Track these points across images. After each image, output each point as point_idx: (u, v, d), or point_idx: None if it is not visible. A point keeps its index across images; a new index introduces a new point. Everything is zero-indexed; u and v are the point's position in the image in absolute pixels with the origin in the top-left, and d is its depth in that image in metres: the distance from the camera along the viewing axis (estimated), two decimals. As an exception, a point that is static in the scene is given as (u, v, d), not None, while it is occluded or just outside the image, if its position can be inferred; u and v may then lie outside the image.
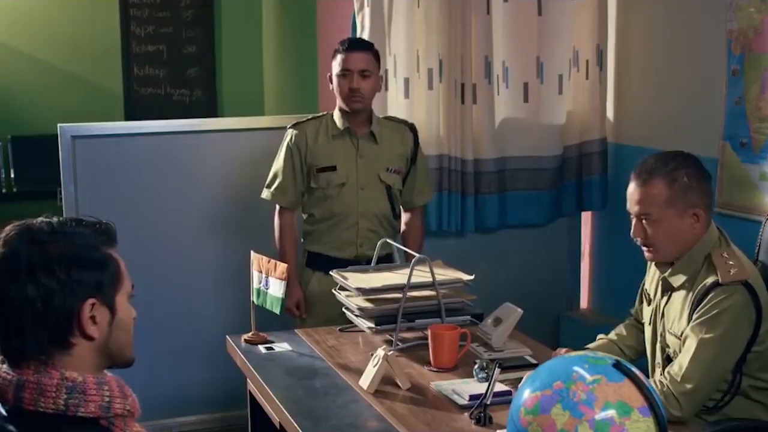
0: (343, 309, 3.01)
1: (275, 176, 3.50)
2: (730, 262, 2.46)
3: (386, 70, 3.86)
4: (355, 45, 3.44)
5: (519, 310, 2.76)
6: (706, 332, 2.39)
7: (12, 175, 7.59)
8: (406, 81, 3.88)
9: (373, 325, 2.84)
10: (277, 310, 2.88)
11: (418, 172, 3.58)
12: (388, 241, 3.19)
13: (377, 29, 3.82)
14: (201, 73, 8.07)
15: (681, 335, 2.49)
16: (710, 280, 2.45)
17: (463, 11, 3.87)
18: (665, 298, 2.60)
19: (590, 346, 2.78)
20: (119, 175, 3.87)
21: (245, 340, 2.97)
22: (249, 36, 7.96)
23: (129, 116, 7.76)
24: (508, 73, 4.02)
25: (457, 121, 3.94)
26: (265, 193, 3.52)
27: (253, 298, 2.97)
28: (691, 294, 2.50)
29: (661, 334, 2.61)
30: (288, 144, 3.48)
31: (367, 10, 3.82)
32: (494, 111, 4.00)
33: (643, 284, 2.76)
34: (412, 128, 3.59)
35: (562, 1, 4.02)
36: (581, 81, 4.12)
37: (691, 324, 2.43)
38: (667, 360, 2.57)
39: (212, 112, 7.92)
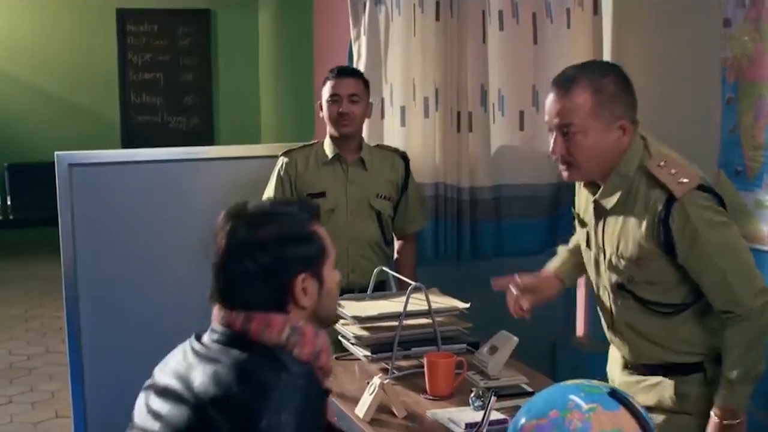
0: (339, 337, 3.00)
1: None
2: (673, 171, 2.29)
3: (382, 99, 3.88)
4: (344, 71, 3.51)
5: (515, 338, 2.76)
6: (720, 260, 2.27)
7: (9, 202, 7.60)
8: (402, 109, 3.90)
9: (369, 354, 2.84)
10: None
11: (410, 199, 3.59)
12: (384, 269, 3.19)
13: (374, 58, 3.84)
14: (198, 101, 8.10)
15: (637, 260, 2.36)
16: (660, 197, 2.29)
17: (459, 40, 3.89)
18: (601, 222, 2.46)
19: (555, 263, 2.84)
20: (116, 203, 3.88)
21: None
22: (246, 64, 7.99)
23: (126, 144, 7.79)
24: (504, 102, 4.04)
25: (453, 149, 3.95)
26: None
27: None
28: (632, 216, 2.34)
29: (606, 260, 2.48)
30: (279, 171, 3.52)
31: (363, 39, 3.84)
32: (490, 139, 4.01)
33: (574, 206, 2.66)
34: (404, 156, 3.62)
35: (558, 29, 4.04)
36: (576, 109, 4.13)
37: (693, 260, 2.28)
38: (619, 287, 2.45)
39: (209, 140, 7.96)
